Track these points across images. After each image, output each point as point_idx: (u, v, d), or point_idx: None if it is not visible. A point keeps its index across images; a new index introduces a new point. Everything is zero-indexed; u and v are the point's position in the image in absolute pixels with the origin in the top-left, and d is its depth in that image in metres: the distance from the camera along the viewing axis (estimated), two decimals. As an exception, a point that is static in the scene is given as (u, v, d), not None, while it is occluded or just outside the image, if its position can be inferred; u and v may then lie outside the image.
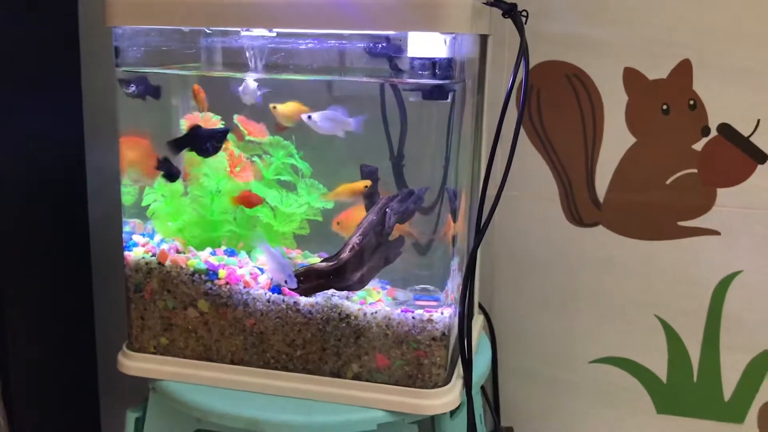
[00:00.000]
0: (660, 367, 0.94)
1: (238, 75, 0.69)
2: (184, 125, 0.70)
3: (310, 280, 0.68)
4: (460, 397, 0.69)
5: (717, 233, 0.89)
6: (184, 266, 0.70)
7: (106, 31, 0.68)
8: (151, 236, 0.73)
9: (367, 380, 0.68)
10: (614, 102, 0.89)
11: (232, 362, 0.71)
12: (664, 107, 0.88)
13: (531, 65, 0.90)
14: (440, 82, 0.64)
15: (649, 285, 0.92)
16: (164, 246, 0.71)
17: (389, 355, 0.67)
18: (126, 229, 0.73)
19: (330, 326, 0.68)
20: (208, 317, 0.71)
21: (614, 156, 0.90)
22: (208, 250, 0.72)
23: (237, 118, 0.71)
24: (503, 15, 0.74)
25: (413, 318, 0.67)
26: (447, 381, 0.69)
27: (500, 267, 0.96)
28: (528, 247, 0.95)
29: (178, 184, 0.71)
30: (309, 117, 0.67)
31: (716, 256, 0.90)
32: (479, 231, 0.72)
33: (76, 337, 0.90)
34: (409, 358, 0.67)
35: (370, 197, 0.71)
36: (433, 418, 0.72)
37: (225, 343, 0.71)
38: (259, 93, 0.67)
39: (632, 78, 0.88)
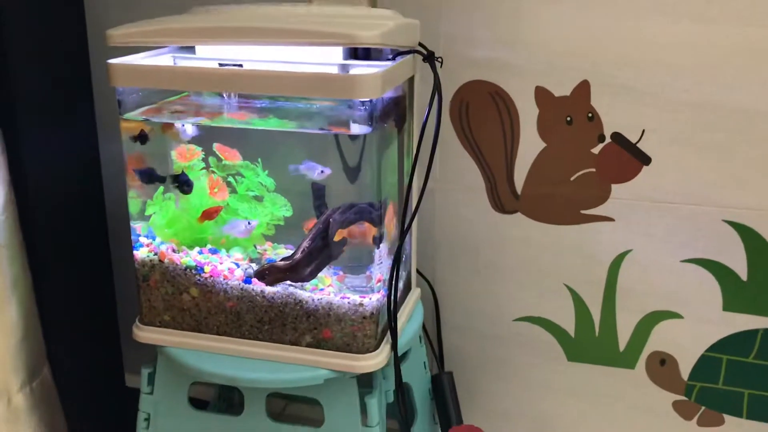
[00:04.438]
0: (569, 325, 1.16)
1: (225, 124, 0.90)
2: (174, 155, 0.92)
3: (272, 274, 0.91)
4: (387, 359, 0.92)
5: (612, 219, 1.09)
6: (178, 263, 0.93)
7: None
8: (154, 238, 0.95)
9: (316, 347, 0.91)
10: (528, 114, 1.08)
11: (217, 333, 0.94)
12: (568, 119, 1.07)
13: (461, 83, 1.09)
14: (355, 133, 0.84)
15: (559, 260, 1.13)
16: (163, 247, 0.94)
17: (332, 329, 0.90)
18: (134, 232, 0.95)
19: (288, 308, 0.91)
20: (198, 300, 0.93)
21: (529, 157, 1.10)
22: (197, 249, 0.94)
23: (216, 146, 0.92)
24: (423, 60, 0.94)
25: (348, 302, 0.89)
26: (377, 347, 0.92)
27: (440, 246, 1.17)
28: (461, 230, 1.16)
29: (170, 200, 0.93)
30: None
31: (612, 237, 1.10)
32: (403, 230, 0.93)
33: (102, 309, 1.12)
34: (347, 331, 0.90)
35: (318, 208, 0.92)
36: (371, 374, 0.94)
37: (211, 319, 0.94)
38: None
39: (542, 95, 1.07)
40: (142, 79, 0.87)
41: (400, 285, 1.02)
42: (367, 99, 0.82)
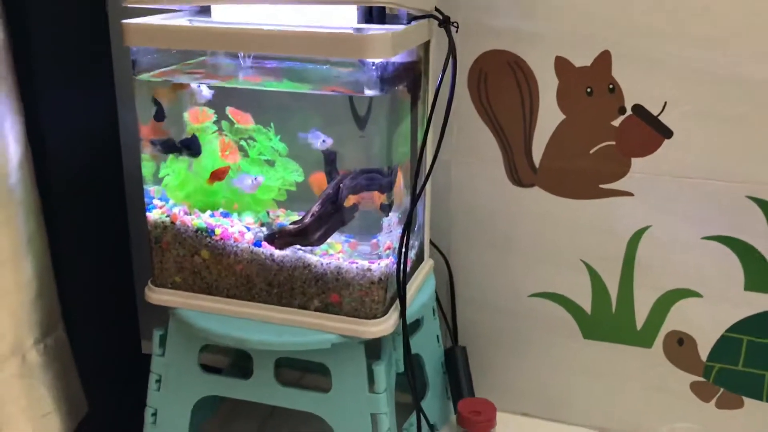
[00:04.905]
0: (585, 302, 1.14)
1: (239, 85, 0.90)
2: (187, 118, 0.92)
3: (281, 238, 0.91)
4: (395, 326, 0.92)
5: (631, 194, 1.07)
6: (189, 225, 0.93)
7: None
8: (167, 201, 0.96)
9: (324, 312, 0.91)
10: (547, 85, 1.06)
11: (228, 296, 0.94)
12: (588, 90, 1.05)
13: (479, 53, 1.08)
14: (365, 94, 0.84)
15: (576, 235, 1.11)
16: (175, 209, 0.94)
17: (340, 294, 0.90)
18: (147, 194, 0.95)
19: (297, 272, 0.91)
20: (209, 263, 0.94)
21: (547, 130, 1.08)
22: (209, 212, 0.94)
23: (229, 110, 0.92)
24: (438, 25, 0.93)
25: (357, 268, 0.89)
26: (384, 313, 0.91)
27: (456, 219, 1.16)
28: (478, 203, 1.14)
29: (183, 163, 0.93)
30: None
31: (630, 213, 1.08)
32: (415, 196, 0.93)
33: (119, 272, 1.13)
34: (355, 296, 0.89)
35: (329, 174, 0.92)
36: (379, 340, 0.94)
37: (222, 282, 0.94)
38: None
39: (562, 65, 1.05)
40: (155, 38, 0.87)
41: (411, 255, 1.01)
42: (378, 59, 0.81)
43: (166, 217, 0.94)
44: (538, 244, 1.13)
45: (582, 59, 1.03)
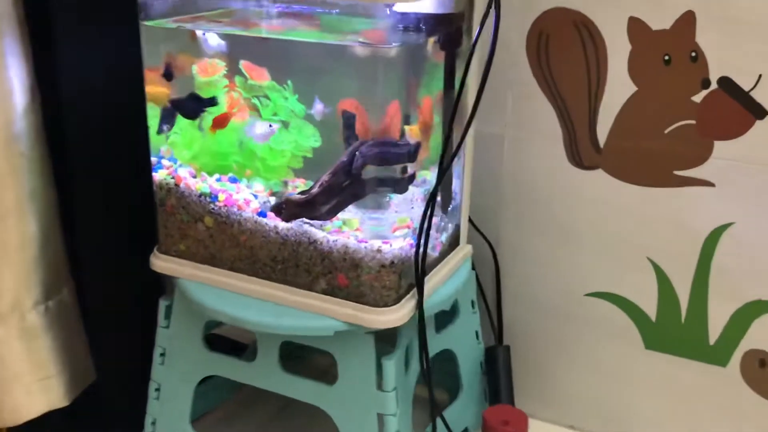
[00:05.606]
0: (650, 306, 0.98)
1: (257, 34, 0.80)
2: (195, 70, 0.83)
3: (288, 209, 0.81)
4: (408, 317, 0.80)
5: (711, 184, 0.91)
6: (193, 189, 0.85)
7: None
8: (175, 161, 0.88)
9: (330, 295, 0.81)
10: (618, 50, 0.91)
11: (231, 269, 0.86)
12: (666, 58, 0.89)
13: (541, 11, 0.94)
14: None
15: (643, 228, 0.96)
16: (181, 171, 0.86)
17: (348, 276, 0.79)
18: (155, 153, 0.88)
19: (301, 248, 0.81)
20: (212, 231, 0.85)
21: (616, 103, 0.93)
22: (216, 176, 0.86)
23: (242, 64, 0.83)
24: (482, -28, 0.79)
25: (365, 247, 0.78)
26: (397, 301, 0.80)
27: (506, 201, 1.03)
28: (532, 185, 1.01)
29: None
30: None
31: (709, 206, 0.91)
32: (441, 170, 0.80)
33: (137, 234, 1.05)
34: (363, 280, 0.79)
35: (347, 140, 0.81)
36: (394, 331, 0.83)
37: (226, 253, 0.85)
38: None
39: (636, 27, 0.89)
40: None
41: (442, 237, 0.89)
42: (392, 3, 0.69)
43: (171, 178, 0.86)
44: (599, 235, 0.98)
45: (660, 21, 0.88)
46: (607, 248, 0.98)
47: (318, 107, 0.78)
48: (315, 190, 0.79)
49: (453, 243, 0.92)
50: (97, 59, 0.93)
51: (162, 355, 0.93)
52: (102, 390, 1.00)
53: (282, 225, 0.81)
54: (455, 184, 0.91)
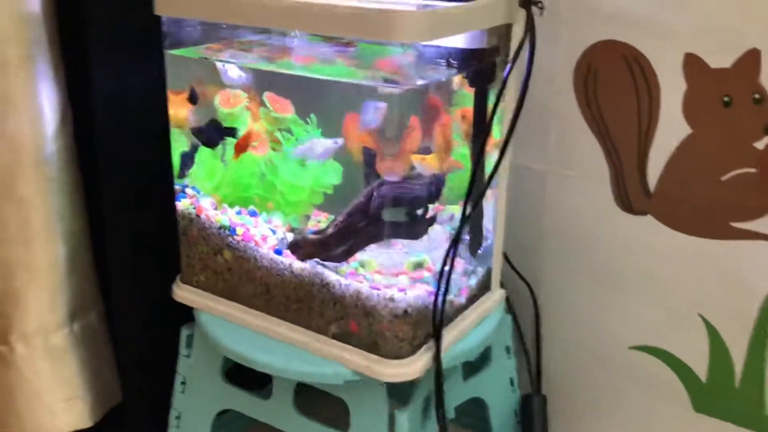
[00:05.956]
0: (700, 366, 0.90)
1: (284, 71, 0.78)
2: (217, 101, 0.81)
3: (304, 248, 0.78)
4: (422, 371, 0.75)
5: (773, 239, 0.82)
6: (213, 220, 0.83)
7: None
8: (198, 191, 0.86)
9: (342, 341, 0.77)
10: (672, 88, 0.83)
11: (248, 305, 0.83)
12: (726, 99, 0.81)
13: (590, 43, 0.87)
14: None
15: (695, 282, 0.87)
16: (203, 201, 0.85)
17: (359, 323, 0.75)
18: (178, 182, 0.87)
19: (315, 290, 0.77)
20: (231, 264, 0.83)
21: (668, 145, 0.85)
22: (236, 209, 0.83)
23: (266, 95, 0.80)
24: (519, 4, 0.74)
25: (377, 295, 0.74)
26: (412, 353, 0.75)
27: (548, 241, 0.97)
28: (576, 226, 0.94)
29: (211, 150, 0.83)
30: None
31: (770, 263, 0.83)
32: (465, 216, 0.75)
33: (169, 258, 1.05)
34: (375, 329, 0.74)
35: (368, 178, 0.77)
36: (411, 384, 0.79)
37: (243, 288, 0.83)
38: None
39: (693, 65, 0.82)
40: (182, 7, 0.77)
41: (470, 281, 0.84)
42: (408, 42, 0.65)
43: (193, 208, 0.85)
44: (647, 285, 0.91)
45: (720, 58, 0.80)
46: (655, 299, 0.91)
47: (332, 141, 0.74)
48: (330, 230, 0.76)
49: (483, 287, 0.87)
50: (131, 85, 0.92)
51: (183, 383, 0.92)
52: (127, 413, 1.00)
53: (297, 264, 0.78)
54: (487, 223, 0.85)
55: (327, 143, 0.77)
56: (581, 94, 0.89)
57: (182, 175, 0.86)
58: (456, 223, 0.77)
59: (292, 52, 0.84)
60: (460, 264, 0.82)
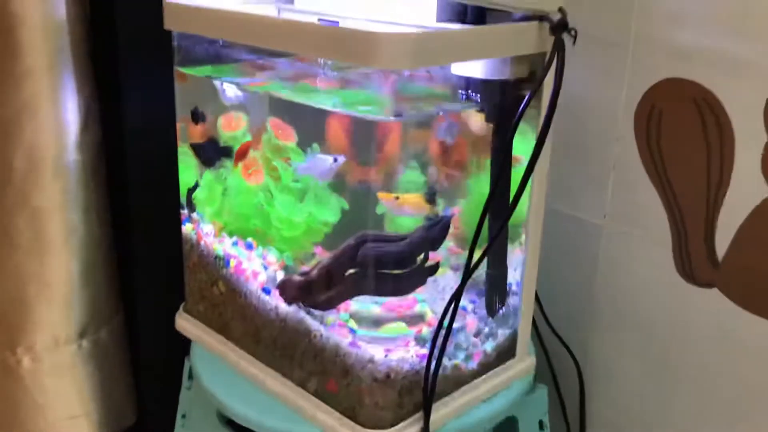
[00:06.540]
0: (771, 479, 0.74)
1: (302, 101, 0.71)
2: (219, 123, 0.76)
3: (289, 290, 0.70)
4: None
5: None
6: (210, 249, 0.77)
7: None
8: (202, 216, 0.81)
9: (321, 399, 0.68)
10: (749, 139, 0.69)
11: (239, 345, 0.77)
12: (815, 156, 0.65)
13: (654, 81, 0.74)
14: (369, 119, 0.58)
15: (768, 376, 0.72)
16: (204, 227, 0.79)
17: (339, 382, 0.66)
18: (184, 205, 0.82)
19: (297, 337, 0.69)
20: (225, 297, 0.77)
21: (742, 207, 0.71)
22: (234, 238, 0.77)
23: (270, 121, 0.74)
24: (550, 32, 0.63)
25: (356, 353, 0.64)
26: (393, 424, 0.65)
27: (599, 308, 0.83)
28: (631, 293, 0.80)
29: (213, 174, 0.77)
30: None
31: None
32: (467, 271, 0.65)
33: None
34: (353, 391, 0.65)
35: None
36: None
37: (234, 324, 0.76)
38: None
39: (776, 111, 0.67)
40: (191, 23, 0.71)
41: (485, 345, 0.73)
42: (390, 70, 0.56)
43: (194, 234, 0.79)
44: (714, 371, 0.76)
45: (810, 106, 0.65)
46: (719, 390, 0.75)
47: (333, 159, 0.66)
48: (314, 273, 0.68)
49: (505, 353, 0.75)
50: (161, 102, 0.89)
51: (183, 417, 0.87)
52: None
53: (282, 307, 0.70)
54: (512, 279, 0.74)
55: (327, 160, 0.69)
56: (642, 140, 0.76)
57: (189, 199, 0.81)
58: (479, 270, 0.67)
59: (291, 75, 0.77)
60: (472, 323, 0.71)
